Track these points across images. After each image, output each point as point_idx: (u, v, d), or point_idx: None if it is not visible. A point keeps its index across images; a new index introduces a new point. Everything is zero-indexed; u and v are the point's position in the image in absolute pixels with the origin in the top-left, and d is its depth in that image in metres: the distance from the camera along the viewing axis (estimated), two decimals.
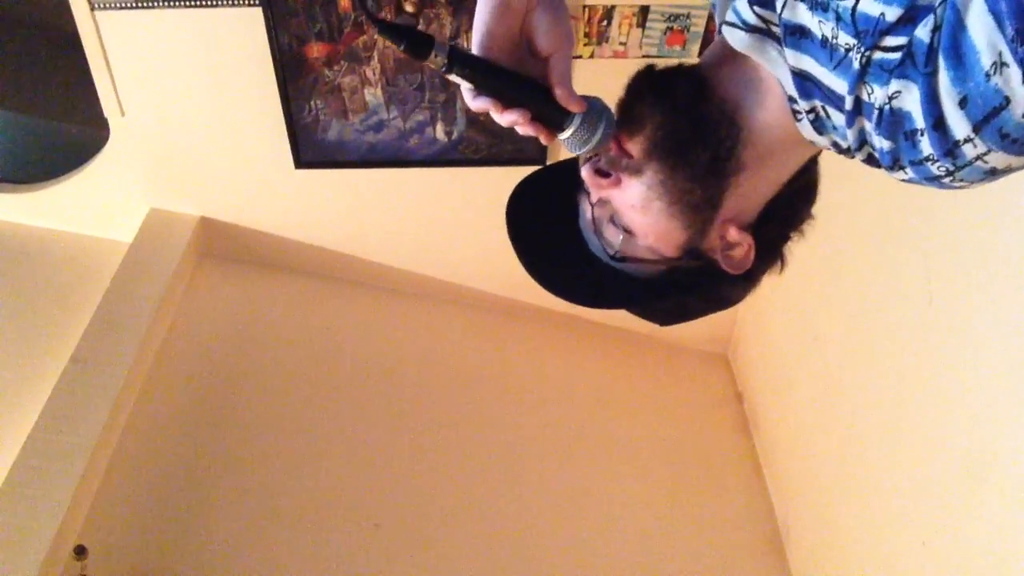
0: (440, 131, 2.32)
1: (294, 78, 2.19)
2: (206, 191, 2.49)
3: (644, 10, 2.14)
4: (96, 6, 2.08)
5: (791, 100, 0.65)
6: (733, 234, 0.72)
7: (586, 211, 0.76)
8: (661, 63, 0.73)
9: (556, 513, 2.30)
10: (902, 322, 1.76)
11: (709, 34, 2.18)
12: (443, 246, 2.66)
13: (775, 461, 2.47)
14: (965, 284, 1.53)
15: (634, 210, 0.71)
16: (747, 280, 0.77)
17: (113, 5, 2.08)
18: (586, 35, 2.18)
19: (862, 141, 0.60)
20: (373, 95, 2.24)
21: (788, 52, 0.62)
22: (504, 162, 2.38)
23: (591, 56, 2.21)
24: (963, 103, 0.51)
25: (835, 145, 0.65)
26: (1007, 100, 0.49)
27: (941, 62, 0.51)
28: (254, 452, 2.20)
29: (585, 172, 0.73)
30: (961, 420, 1.53)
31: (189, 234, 2.46)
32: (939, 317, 1.61)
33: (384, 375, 2.51)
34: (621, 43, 2.20)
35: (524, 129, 0.68)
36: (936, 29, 0.51)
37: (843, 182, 1.96)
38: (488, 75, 0.66)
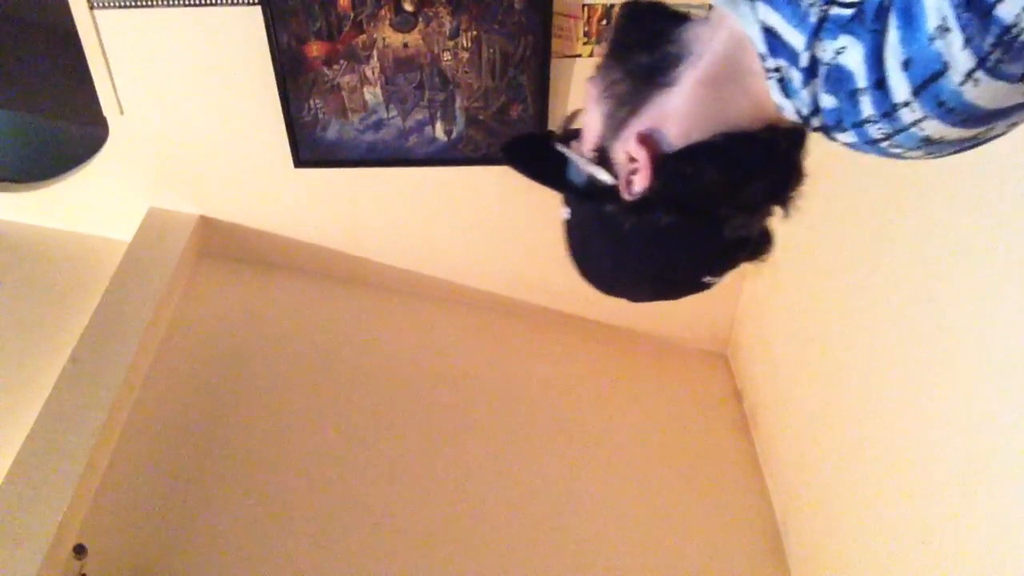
0: (440, 130, 2.32)
1: (293, 77, 2.19)
2: (205, 190, 2.49)
3: None
4: (95, 5, 2.07)
5: (762, 58, 0.64)
6: (632, 143, 0.68)
7: None
8: None
9: (554, 512, 2.30)
10: (902, 321, 1.76)
11: None
12: (443, 245, 2.66)
13: (774, 460, 2.47)
14: (965, 283, 1.53)
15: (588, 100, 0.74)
16: (635, 210, 0.70)
17: (112, 4, 2.07)
18: (585, 34, 2.18)
19: (815, 105, 0.60)
20: (372, 94, 2.24)
21: (760, 6, 0.62)
22: (504, 161, 2.38)
23: (590, 55, 2.21)
24: (907, 64, 0.51)
25: (798, 113, 0.64)
26: (946, 66, 0.49)
27: (892, 20, 0.51)
28: (253, 451, 2.20)
29: (587, 81, 0.76)
30: (961, 420, 1.53)
31: (188, 233, 2.46)
32: (939, 316, 1.61)
33: (383, 374, 2.50)
34: None
35: None
36: None
37: (842, 181, 1.96)
38: None
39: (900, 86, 0.52)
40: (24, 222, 2.53)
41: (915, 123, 0.53)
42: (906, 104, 0.52)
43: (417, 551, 2.12)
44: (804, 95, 0.60)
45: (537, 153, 0.82)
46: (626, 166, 0.70)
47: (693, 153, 0.67)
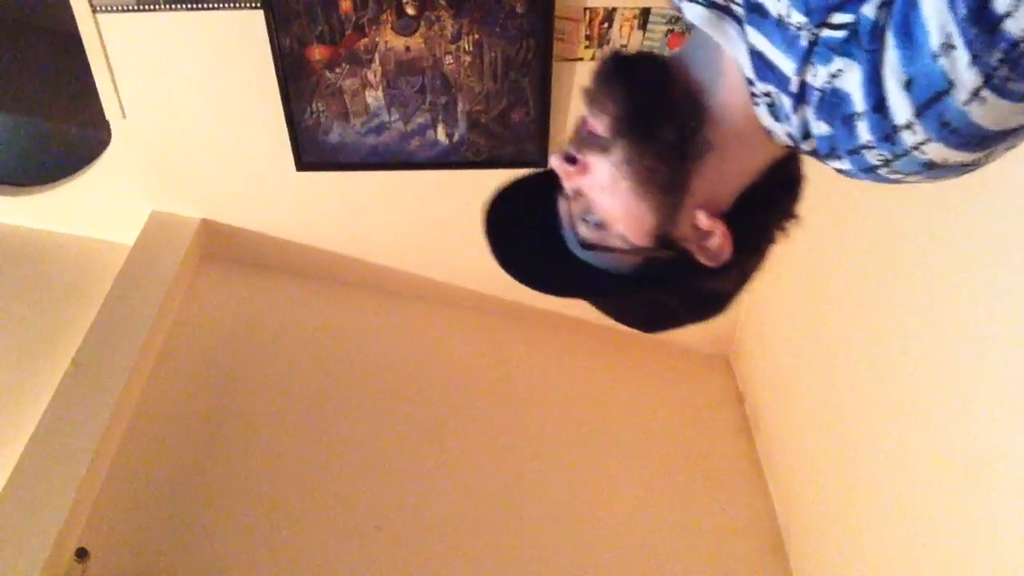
0: (441, 133, 2.32)
1: (295, 80, 2.19)
2: (207, 193, 2.49)
3: (645, 12, 2.14)
4: (98, 8, 2.08)
5: (749, 83, 0.63)
6: (703, 220, 0.68)
7: (563, 209, 0.76)
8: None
9: (556, 515, 2.30)
10: (903, 323, 1.76)
11: None
12: (444, 248, 2.66)
13: (776, 462, 2.47)
14: (967, 284, 1.53)
15: (603, 192, 0.69)
16: (725, 274, 0.72)
17: (115, 8, 2.08)
18: (587, 37, 2.18)
19: (806, 131, 0.59)
20: (374, 97, 2.24)
21: (748, 30, 0.60)
22: (505, 164, 2.38)
23: (592, 58, 2.22)
24: (908, 85, 0.49)
25: (789, 136, 0.63)
26: (951, 84, 0.47)
27: (890, 40, 0.49)
28: (255, 455, 2.20)
29: (555, 161, 0.71)
30: (962, 421, 1.53)
31: (190, 236, 2.46)
32: (940, 318, 1.61)
33: (385, 377, 2.50)
34: (622, 45, 2.20)
35: None
36: (883, 5, 0.50)
37: (843, 184, 1.96)
38: None
39: (901, 107, 0.50)
40: (27, 225, 2.54)
41: (917, 146, 0.51)
42: (908, 126, 0.50)
43: (418, 552, 2.12)
44: (794, 120, 0.59)
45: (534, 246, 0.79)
46: (693, 239, 0.70)
47: (755, 204, 0.70)
